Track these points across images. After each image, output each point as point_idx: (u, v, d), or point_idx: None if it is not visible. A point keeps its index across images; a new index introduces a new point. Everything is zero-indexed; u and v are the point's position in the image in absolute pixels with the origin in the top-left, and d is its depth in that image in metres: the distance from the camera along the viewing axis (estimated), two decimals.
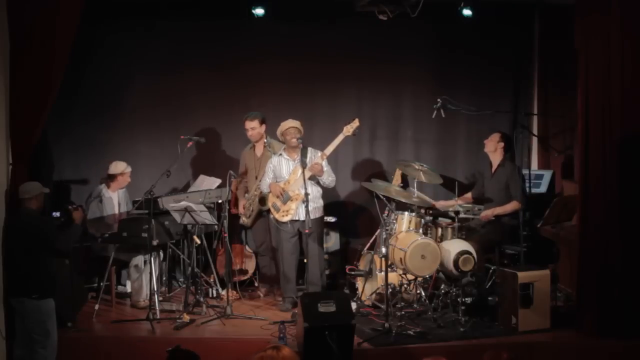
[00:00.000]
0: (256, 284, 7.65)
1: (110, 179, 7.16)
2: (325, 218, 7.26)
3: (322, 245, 7.09)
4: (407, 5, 6.69)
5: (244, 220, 7.33)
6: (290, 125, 6.85)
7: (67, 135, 7.72)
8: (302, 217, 6.65)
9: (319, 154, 6.81)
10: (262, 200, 7.11)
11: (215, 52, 7.93)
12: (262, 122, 7.18)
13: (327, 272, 7.29)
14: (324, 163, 6.82)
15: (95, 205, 7.05)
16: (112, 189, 7.17)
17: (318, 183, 6.89)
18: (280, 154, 6.95)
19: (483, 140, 7.23)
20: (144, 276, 6.93)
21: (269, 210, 7.01)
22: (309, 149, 6.92)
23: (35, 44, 5.80)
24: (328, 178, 6.86)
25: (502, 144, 7.08)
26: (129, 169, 7.20)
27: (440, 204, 7.16)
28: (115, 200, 7.19)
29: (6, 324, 5.70)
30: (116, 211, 7.18)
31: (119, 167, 7.15)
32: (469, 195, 7.33)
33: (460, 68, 8.15)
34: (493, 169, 7.13)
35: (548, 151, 8.18)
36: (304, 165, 6.66)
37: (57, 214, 6.48)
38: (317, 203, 6.85)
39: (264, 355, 3.65)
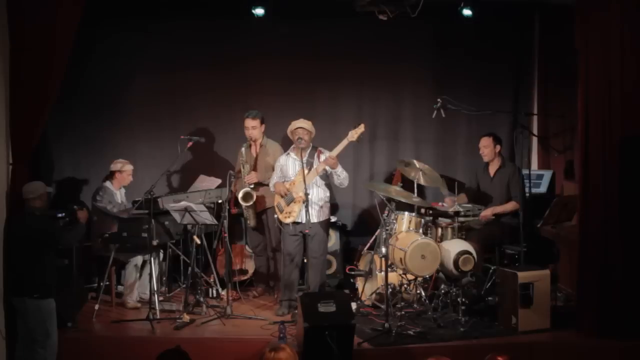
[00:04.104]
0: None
1: (110, 175, 7.18)
2: None
3: (325, 248, 6.88)
4: (407, 5, 6.68)
5: (249, 222, 7.29)
6: (298, 125, 6.69)
7: (67, 135, 7.72)
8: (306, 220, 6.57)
9: (327, 154, 6.69)
10: (244, 196, 7.04)
11: (215, 52, 7.92)
12: (262, 121, 7.16)
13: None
14: None
15: (107, 200, 7.02)
16: (114, 186, 7.18)
17: (327, 185, 6.78)
18: (288, 154, 6.86)
19: None
20: (143, 277, 6.94)
21: (258, 210, 7.04)
22: (319, 149, 6.82)
23: (35, 44, 5.80)
24: (343, 172, 6.67)
25: (498, 147, 7.11)
26: (128, 167, 7.18)
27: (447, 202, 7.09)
28: (118, 197, 7.21)
29: (6, 324, 5.71)
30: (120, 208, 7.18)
31: (117, 165, 7.17)
32: (462, 196, 7.26)
33: (460, 68, 8.15)
34: (493, 171, 7.14)
35: (548, 151, 8.18)
36: (309, 166, 6.61)
37: (62, 214, 6.48)
38: (322, 205, 6.72)
39: (262, 358, 3.69)
